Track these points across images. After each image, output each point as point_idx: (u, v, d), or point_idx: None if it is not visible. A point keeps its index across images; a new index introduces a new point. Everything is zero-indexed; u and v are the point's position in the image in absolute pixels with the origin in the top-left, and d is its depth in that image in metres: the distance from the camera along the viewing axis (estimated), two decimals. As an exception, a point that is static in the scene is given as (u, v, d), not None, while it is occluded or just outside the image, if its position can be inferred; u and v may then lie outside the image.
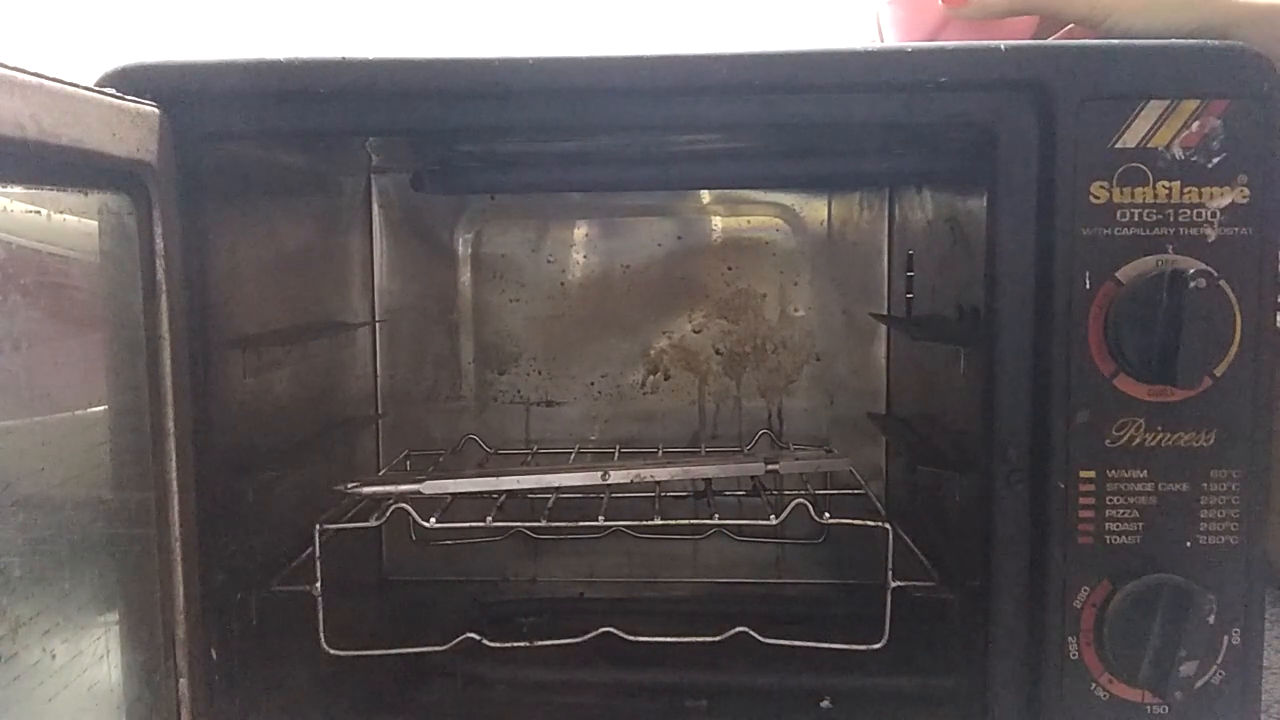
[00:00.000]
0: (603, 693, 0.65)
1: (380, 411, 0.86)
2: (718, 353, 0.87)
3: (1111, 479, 0.50)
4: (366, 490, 0.66)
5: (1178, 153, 0.49)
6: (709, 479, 0.73)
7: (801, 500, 0.63)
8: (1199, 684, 0.50)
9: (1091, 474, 0.50)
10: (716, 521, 0.68)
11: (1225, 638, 0.50)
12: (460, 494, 0.68)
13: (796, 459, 0.73)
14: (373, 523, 0.64)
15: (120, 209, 0.47)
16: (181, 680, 0.50)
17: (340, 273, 0.80)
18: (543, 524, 0.67)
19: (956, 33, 0.71)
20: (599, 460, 0.82)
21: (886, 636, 0.61)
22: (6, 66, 0.36)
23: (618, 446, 0.86)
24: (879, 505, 0.71)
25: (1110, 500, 0.50)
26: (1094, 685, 0.51)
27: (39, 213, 0.43)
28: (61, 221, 0.45)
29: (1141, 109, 0.49)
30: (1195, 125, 0.49)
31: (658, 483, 0.71)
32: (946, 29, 0.73)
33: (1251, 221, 0.49)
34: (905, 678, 0.63)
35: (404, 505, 0.64)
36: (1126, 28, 0.55)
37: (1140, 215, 0.49)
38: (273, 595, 0.60)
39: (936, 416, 0.69)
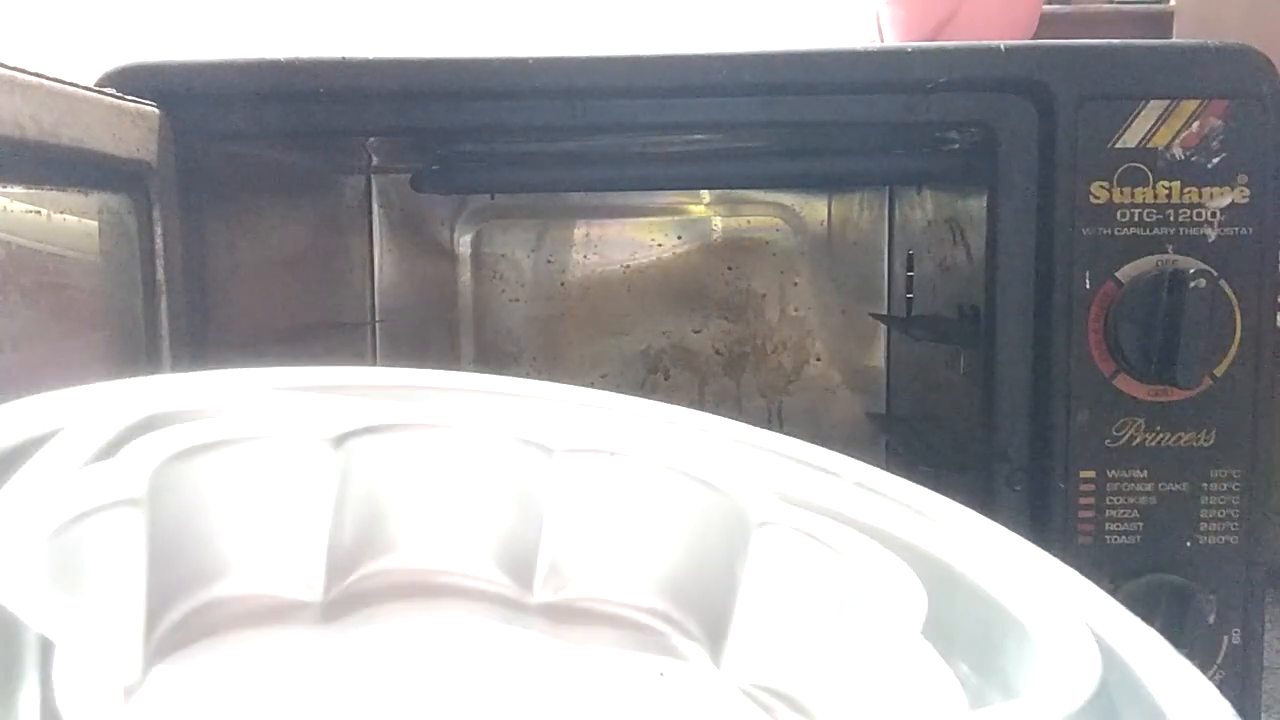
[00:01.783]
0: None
1: (380, 411, 0.86)
2: (718, 353, 0.87)
3: (1111, 479, 0.50)
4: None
5: (1178, 153, 0.49)
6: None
7: (801, 500, 0.63)
8: (1199, 684, 0.50)
9: (1091, 474, 0.50)
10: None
11: (1225, 638, 0.50)
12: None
13: (796, 459, 0.73)
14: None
15: (120, 209, 0.47)
16: (181, 680, 0.50)
17: (340, 273, 0.80)
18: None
19: (956, 33, 0.71)
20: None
21: (886, 636, 0.61)
22: (6, 66, 0.36)
23: (618, 446, 0.86)
24: (879, 505, 0.71)
25: (1110, 500, 0.50)
26: (1094, 685, 0.51)
27: (39, 213, 0.43)
28: (61, 221, 0.44)
29: (1141, 109, 0.49)
30: (1195, 125, 0.49)
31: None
32: (946, 29, 0.73)
33: (1251, 221, 0.49)
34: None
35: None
36: None
37: (1140, 215, 0.49)
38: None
39: (936, 416, 0.69)
